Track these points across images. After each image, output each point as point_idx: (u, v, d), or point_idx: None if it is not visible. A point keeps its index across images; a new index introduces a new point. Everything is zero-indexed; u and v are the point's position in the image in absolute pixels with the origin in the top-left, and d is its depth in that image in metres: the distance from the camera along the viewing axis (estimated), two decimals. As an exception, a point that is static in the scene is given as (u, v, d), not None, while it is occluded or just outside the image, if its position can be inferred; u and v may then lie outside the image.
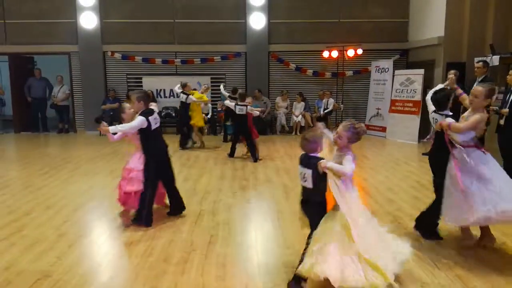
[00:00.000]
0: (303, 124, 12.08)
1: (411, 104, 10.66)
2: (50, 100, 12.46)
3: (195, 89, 10.05)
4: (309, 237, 3.23)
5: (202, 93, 9.74)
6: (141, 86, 12.17)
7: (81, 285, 3.48)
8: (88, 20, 11.79)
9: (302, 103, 12.16)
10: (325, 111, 11.84)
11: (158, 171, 4.76)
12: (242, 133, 8.42)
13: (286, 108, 12.34)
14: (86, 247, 4.34)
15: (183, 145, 9.62)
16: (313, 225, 3.23)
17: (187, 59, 12.17)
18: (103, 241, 4.58)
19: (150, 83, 12.10)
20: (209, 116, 11.73)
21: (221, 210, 5.37)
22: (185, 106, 9.40)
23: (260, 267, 3.79)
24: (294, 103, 12.20)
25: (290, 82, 12.55)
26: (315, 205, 3.30)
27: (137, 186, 4.70)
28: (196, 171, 7.56)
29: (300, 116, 12.07)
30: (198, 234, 4.55)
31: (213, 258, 3.95)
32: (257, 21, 12.08)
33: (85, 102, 12.16)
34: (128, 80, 12.35)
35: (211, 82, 12.30)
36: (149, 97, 5.14)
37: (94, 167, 7.98)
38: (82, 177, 7.16)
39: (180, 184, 6.61)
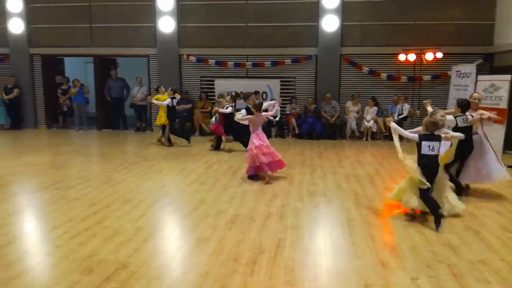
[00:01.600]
0: (374, 130, 11.69)
1: (495, 112, 9.85)
2: (128, 99, 13.24)
3: (165, 92, 10.58)
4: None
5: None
6: (213, 88, 12.52)
7: (156, 278, 3.62)
8: (166, 25, 12.36)
9: (375, 108, 11.77)
10: (400, 116, 11.36)
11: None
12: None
13: (357, 112, 12.01)
14: (160, 242, 4.53)
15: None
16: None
17: (258, 62, 12.31)
18: (175, 237, 4.75)
19: (221, 86, 12.41)
20: (277, 119, 11.77)
21: (289, 214, 5.34)
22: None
23: (330, 274, 3.71)
24: (366, 107, 11.84)
25: (362, 86, 12.21)
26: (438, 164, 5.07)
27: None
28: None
29: (372, 121, 11.69)
30: (266, 236, 4.56)
31: (281, 261, 3.93)
32: (330, 24, 11.91)
33: (160, 103, 12.74)
34: (201, 82, 12.76)
35: (281, 85, 12.34)
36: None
37: (168, 165, 8.32)
38: (156, 174, 7.49)
39: (248, 185, 6.73)
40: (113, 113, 13.33)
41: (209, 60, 12.44)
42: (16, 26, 12.89)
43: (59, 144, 10.28)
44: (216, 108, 9.65)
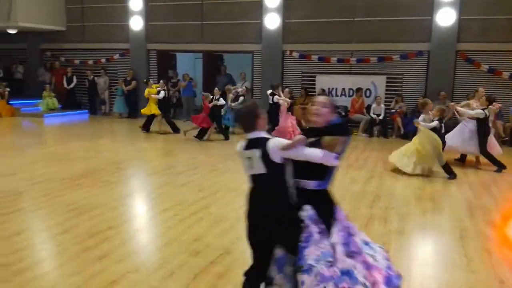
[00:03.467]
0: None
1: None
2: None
3: (153, 85, 11.30)
4: None
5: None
6: (314, 84, 12.42)
7: (257, 267, 3.69)
8: (272, 21, 12.55)
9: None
10: (523, 121, 10.16)
11: None
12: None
13: (472, 114, 10.96)
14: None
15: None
16: None
17: (363, 58, 11.90)
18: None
19: (323, 82, 12.26)
20: (381, 117, 11.27)
21: (394, 218, 5.07)
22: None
23: (438, 286, 3.44)
24: (483, 109, 10.75)
25: (479, 85, 11.10)
26: None
27: None
28: (364, 173, 7.33)
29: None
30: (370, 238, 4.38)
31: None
32: (446, 18, 11.02)
33: (261, 98, 12.99)
34: (302, 78, 12.75)
35: (387, 82, 11.77)
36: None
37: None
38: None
39: (348, 185, 6.55)
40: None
41: (312, 56, 12.35)
42: (136, 23, 14.12)
43: (169, 133, 11.09)
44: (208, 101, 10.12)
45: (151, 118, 11.08)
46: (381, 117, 11.28)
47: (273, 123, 10.01)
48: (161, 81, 11.46)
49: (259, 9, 12.68)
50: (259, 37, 12.83)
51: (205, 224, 4.69)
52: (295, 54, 12.54)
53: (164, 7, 13.83)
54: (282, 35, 12.59)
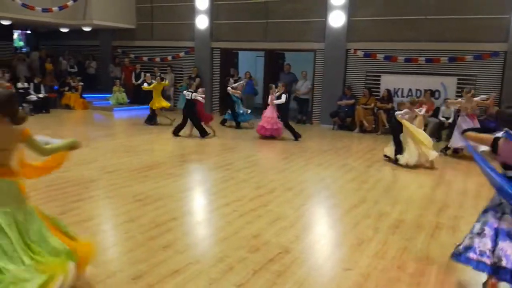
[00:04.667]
0: None
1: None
2: (293, 93, 13.65)
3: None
4: None
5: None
6: (379, 84, 12.02)
7: (316, 268, 3.65)
8: (336, 19, 12.31)
9: None
10: None
11: None
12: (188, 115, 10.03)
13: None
14: (319, 233, 4.57)
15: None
16: None
17: (433, 57, 11.32)
18: (335, 231, 4.70)
19: (388, 82, 11.83)
20: (450, 120, 10.66)
21: (464, 228, 4.75)
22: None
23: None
24: None
25: None
26: None
27: None
28: (432, 178, 6.98)
29: None
30: (436, 248, 4.17)
31: (454, 277, 3.54)
32: (527, 15, 10.20)
33: (323, 97, 12.84)
34: (366, 77, 12.39)
35: (458, 83, 11.11)
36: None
37: (327, 159, 8.30)
38: (316, 167, 7.57)
39: (414, 190, 6.27)
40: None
41: (378, 55, 11.96)
42: (202, 22, 14.48)
43: (228, 130, 11.29)
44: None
45: (154, 111, 11.72)
46: (450, 121, 10.66)
47: None
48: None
49: (323, 7, 12.49)
50: (322, 35, 12.64)
51: (264, 221, 4.70)
52: (360, 53, 12.21)
53: (229, 6, 14.06)
54: (346, 33, 12.31)
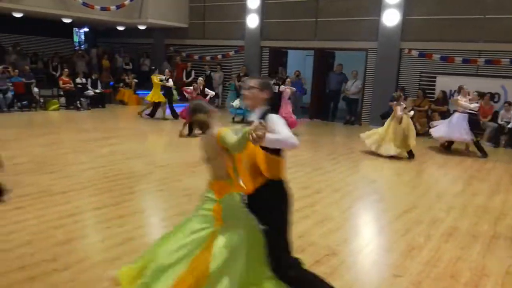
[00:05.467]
0: None
1: None
2: (343, 92, 13.43)
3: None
4: None
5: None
6: (434, 85, 11.55)
7: (366, 272, 3.57)
8: (391, 18, 11.95)
9: None
10: None
11: None
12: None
13: None
14: (367, 237, 4.46)
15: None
16: None
17: (493, 59, 10.72)
18: (385, 237, 4.56)
19: (444, 83, 11.34)
20: (510, 125, 10.05)
21: (524, 239, 4.49)
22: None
23: None
24: None
25: None
26: None
27: None
28: (487, 186, 6.62)
29: None
30: (492, 259, 3.95)
31: (512, 292, 3.34)
32: None
33: (373, 97, 12.52)
34: (420, 78, 11.94)
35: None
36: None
37: (377, 163, 8.08)
38: (365, 169, 7.41)
39: (468, 198, 5.97)
40: (327, 105, 13.77)
41: (433, 55, 11.49)
42: (253, 21, 14.57)
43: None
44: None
45: (157, 105, 11.96)
46: (510, 125, 10.06)
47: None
48: (167, 70, 12.54)
49: (377, 5, 12.17)
50: (375, 34, 12.32)
51: (310, 222, 4.66)
52: (414, 53, 11.79)
53: (280, 5, 14.05)
54: (400, 33, 11.92)
